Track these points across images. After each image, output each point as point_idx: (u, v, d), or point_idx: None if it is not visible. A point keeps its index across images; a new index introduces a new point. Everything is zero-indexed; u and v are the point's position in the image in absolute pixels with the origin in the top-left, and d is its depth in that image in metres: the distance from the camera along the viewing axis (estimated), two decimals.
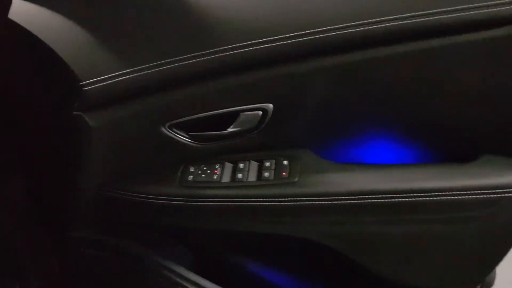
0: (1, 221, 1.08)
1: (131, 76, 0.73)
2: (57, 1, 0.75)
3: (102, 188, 0.85)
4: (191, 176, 0.80)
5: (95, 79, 0.72)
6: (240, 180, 0.77)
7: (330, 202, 0.72)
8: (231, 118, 0.77)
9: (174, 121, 0.78)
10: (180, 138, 0.79)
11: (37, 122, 0.89)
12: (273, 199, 0.74)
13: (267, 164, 0.78)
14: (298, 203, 0.73)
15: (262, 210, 0.76)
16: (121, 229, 0.95)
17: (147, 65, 0.72)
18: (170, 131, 0.79)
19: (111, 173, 0.83)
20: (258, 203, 0.75)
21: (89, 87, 0.72)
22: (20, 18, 0.74)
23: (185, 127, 0.79)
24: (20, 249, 1.12)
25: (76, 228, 1.00)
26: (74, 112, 0.75)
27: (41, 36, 0.72)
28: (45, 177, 1.01)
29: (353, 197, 0.70)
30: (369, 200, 0.70)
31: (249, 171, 0.78)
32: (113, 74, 0.72)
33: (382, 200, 0.70)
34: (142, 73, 0.73)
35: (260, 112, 0.75)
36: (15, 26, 0.73)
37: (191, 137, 0.79)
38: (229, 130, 0.78)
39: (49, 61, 0.73)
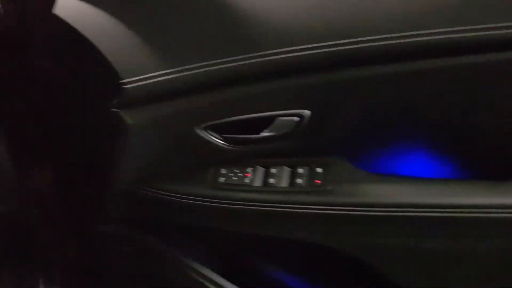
0: (28, 211, 1.10)
1: (171, 76, 0.73)
2: None
3: (133, 185, 0.86)
4: (223, 178, 0.81)
5: (135, 78, 0.73)
6: (272, 185, 0.77)
7: (364, 213, 0.71)
8: (266, 122, 0.77)
9: (209, 123, 0.78)
10: (214, 140, 0.79)
11: (73, 115, 0.90)
12: (305, 206, 0.74)
13: (300, 170, 0.77)
14: (331, 212, 0.72)
15: (293, 217, 0.75)
16: (149, 226, 0.96)
17: (187, 67, 0.73)
18: (205, 132, 0.79)
19: (144, 170, 0.84)
20: (290, 210, 0.75)
21: (129, 86, 0.73)
22: (65, 14, 0.75)
23: (219, 129, 0.79)
24: (45, 240, 1.13)
25: (103, 223, 1.01)
26: (112, 109, 0.76)
27: (85, 32, 0.74)
28: (75, 170, 1.02)
29: (388, 209, 0.69)
30: (404, 213, 0.69)
31: (281, 177, 0.78)
32: (154, 74, 0.73)
33: (418, 214, 0.69)
34: (182, 74, 0.73)
35: (297, 118, 0.75)
36: (60, 21, 0.75)
37: (224, 140, 0.80)
38: (264, 134, 0.78)
39: (91, 57, 0.74)
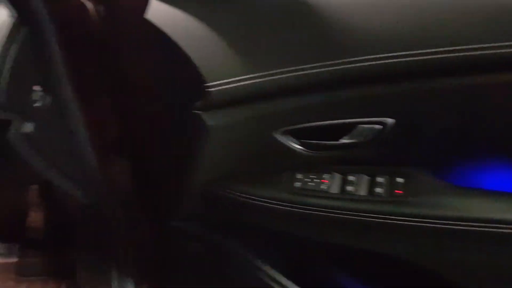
0: (104, 202, 1.15)
1: (253, 81, 0.74)
2: (190, 3, 0.79)
3: (210, 185, 0.88)
4: (299, 183, 0.81)
5: (219, 82, 0.75)
6: (350, 193, 0.76)
7: (446, 226, 0.69)
8: (346, 128, 0.77)
9: (288, 128, 0.79)
10: (292, 144, 0.80)
11: (157, 115, 0.94)
12: (385, 216, 0.72)
13: (380, 179, 0.76)
14: (411, 223, 0.70)
15: (371, 226, 0.74)
16: (222, 225, 0.98)
17: (271, 72, 0.74)
18: (283, 137, 0.79)
19: (221, 171, 0.86)
20: (368, 219, 0.73)
21: (213, 89, 0.75)
22: (155, 19, 0.79)
23: (298, 134, 0.80)
24: (121, 233, 1.19)
25: (177, 219, 1.04)
26: (194, 111, 0.79)
27: (173, 36, 0.76)
28: (153, 165, 1.06)
29: (476, 224, 0.66)
30: (493, 229, 0.66)
31: (360, 185, 0.77)
32: (237, 78, 0.75)
33: (508, 231, 0.65)
34: (265, 79, 0.74)
35: (379, 126, 0.74)
36: (151, 26, 0.78)
37: (302, 145, 0.80)
38: (343, 141, 0.77)
39: (178, 60, 0.77)
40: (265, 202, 0.82)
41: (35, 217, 1.40)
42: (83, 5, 0.93)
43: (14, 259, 1.40)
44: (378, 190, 0.75)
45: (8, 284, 1.34)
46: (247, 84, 0.74)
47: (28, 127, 0.84)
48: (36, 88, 0.85)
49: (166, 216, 1.08)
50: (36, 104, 0.86)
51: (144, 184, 1.13)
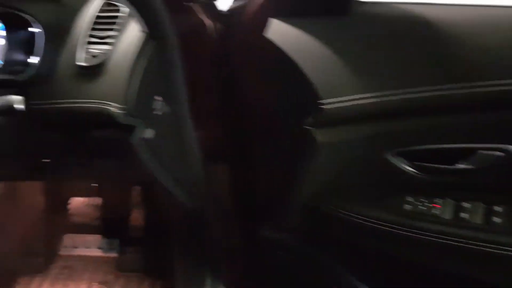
0: (205, 207, 1.20)
1: (369, 100, 0.75)
2: (310, 23, 0.81)
3: (313, 200, 0.89)
4: (409, 206, 0.79)
5: (334, 99, 0.76)
6: (465, 220, 0.74)
7: None
8: (463, 153, 0.74)
9: (401, 149, 0.78)
10: (404, 166, 0.79)
11: (265, 125, 0.97)
12: (503, 247, 0.69)
13: (498, 209, 0.72)
14: None
15: (487, 257, 0.71)
16: (317, 239, 0.98)
17: (387, 92, 0.74)
18: (395, 158, 0.79)
19: (327, 188, 0.87)
20: (484, 248, 0.70)
21: (328, 106, 0.76)
22: (274, 36, 0.82)
23: (411, 156, 0.78)
24: (216, 236, 1.23)
25: (272, 229, 1.06)
26: (305, 126, 0.80)
27: (291, 54, 0.79)
28: (256, 175, 1.09)
29: None
30: None
31: (475, 213, 0.74)
32: (352, 96, 0.75)
33: None
34: (381, 99, 0.74)
35: (500, 153, 0.71)
36: (269, 43, 0.82)
37: (415, 167, 0.78)
38: (460, 166, 0.74)
39: (294, 77, 0.79)
40: (371, 222, 0.82)
41: (137, 216, 1.50)
42: (202, 22, 0.99)
43: (114, 254, 1.51)
44: (496, 219, 0.71)
45: (107, 277, 1.44)
46: (362, 103, 0.75)
47: (149, 133, 0.90)
48: (158, 97, 0.92)
49: (261, 225, 1.10)
50: (156, 112, 0.92)
51: (244, 193, 1.17)
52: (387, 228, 0.80)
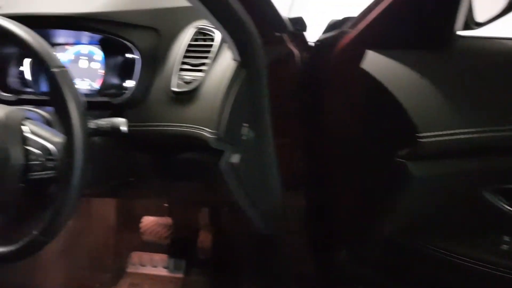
0: (280, 232, 1.20)
1: (470, 136, 0.73)
2: (409, 55, 0.81)
3: (399, 233, 0.87)
4: (507, 246, 0.76)
5: (433, 133, 0.75)
6: None
7: None
8: None
9: (500, 186, 0.75)
10: (502, 205, 0.76)
11: (351, 154, 0.97)
12: None
13: None
14: None
15: None
16: (399, 275, 0.96)
17: (490, 128, 0.72)
18: (493, 195, 0.76)
19: (416, 222, 0.85)
20: None
21: (425, 139, 0.75)
22: (369, 67, 0.82)
23: (509, 195, 0.76)
24: (288, 262, 1.23)
25: (349, 260, 1.04)
26: (398, 159, 0.80)
27: (388, 85, 0.79)
28: (335, 204, 1.09)
29: None
30: None
31: None
32: (453, 131, 0.74)
33: None
34: (483, 134, 0.73)
35: None
36: (364, 73, 0.82)
37: None
38: None
39: (390, 109, 0.79)
40: (464, 260, 0.79)
41: (205, 238, 1.52)
42: (291, 52, 1.02)
43: (179, 275, 1.53)
44: None
45: None
46: (462, 138, 0.74)
47: (236, 158, 0.92)
48: (245, 124, 0.94)
49: (336, 255, 1.09)
50: (243, 138, 0.94)
51: (321, 221, 1.16)
52: (481, 268, 0.77)
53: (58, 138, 0.74)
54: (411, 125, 0.76)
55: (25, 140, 0.73)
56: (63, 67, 0.71)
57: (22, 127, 0.75)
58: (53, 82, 0.70)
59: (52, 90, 0.70)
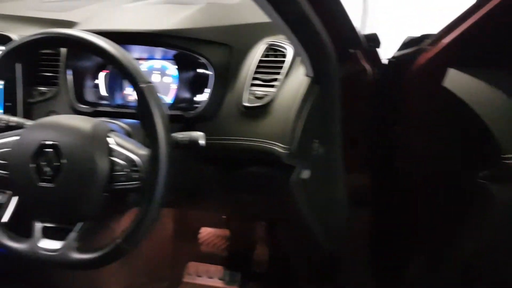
0: (341, 248, 1.18)
1: None
2: (491, 73, 0.79)
3: (476, 257, 0.84)
4: None
5: None
6: None
7: None
8: None
9: None
10: None
11: (426, 174, 0.95)
12: None
13: None
14: None
15: None
16: None
17: None
18: None
19: (493, 246, 0.82)
20: None
21: (510, 161, 0.73)
22: (451, 85, 0.81)
23: None
24: (348, 279, 1.21)
25: (414, 284, 1.02)
26: (479, 180, 0.77)
27: (470, 103, 0.77)
28: (404, 224, 1.06)
29: None
30: None
31: None
32: None
33: None
34: None
35: None
36: (445, 91, 0.81)
37: None
38: None
39: (472, 128, 0.77)
40: None
41: (262, 252, 1.52)
42: (364, 68, 1.02)
43: (235, 287, 1.53)
44: None
45: None
46: None
47: (306, 173, 0.92)
48: (315, 139, 0.94)
49: (400, 277, 1.06)
50: (313, 154, 0.95)
51: (385, 242, 1.14)
52: None
53: (143, 150, 0.76)
54: (495, 146, 0.74)
55: (110, 151, 0.76)
56: (150, 82, 0.74)
57: (108, 138, 0.78)
58: (141, 97, 0.73)
59: (139, 104, 0.73)
